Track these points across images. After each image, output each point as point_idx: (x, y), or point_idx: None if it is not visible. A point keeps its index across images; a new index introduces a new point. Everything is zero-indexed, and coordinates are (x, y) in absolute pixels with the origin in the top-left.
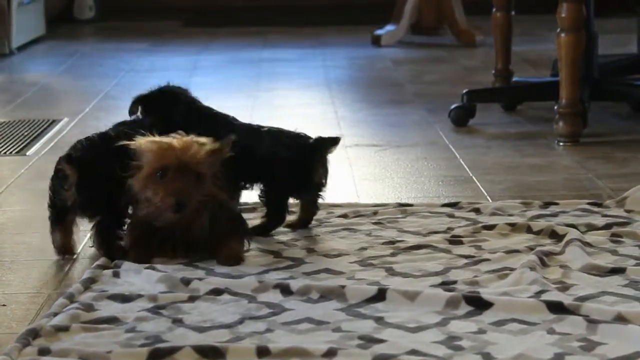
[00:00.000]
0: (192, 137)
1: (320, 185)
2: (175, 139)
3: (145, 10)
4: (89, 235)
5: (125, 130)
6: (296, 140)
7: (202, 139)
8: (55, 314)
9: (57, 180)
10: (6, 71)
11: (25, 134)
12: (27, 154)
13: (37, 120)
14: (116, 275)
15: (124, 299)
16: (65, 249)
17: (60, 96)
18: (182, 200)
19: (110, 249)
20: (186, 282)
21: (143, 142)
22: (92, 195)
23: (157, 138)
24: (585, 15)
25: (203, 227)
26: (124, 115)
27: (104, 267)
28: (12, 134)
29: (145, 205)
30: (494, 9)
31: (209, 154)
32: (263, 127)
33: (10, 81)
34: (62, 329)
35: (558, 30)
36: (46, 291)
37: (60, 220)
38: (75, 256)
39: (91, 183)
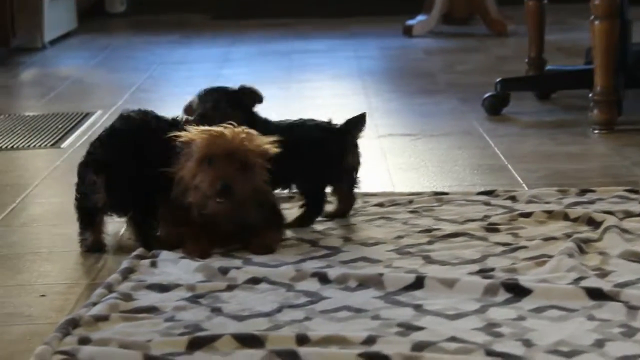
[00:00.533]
0: (244, 128)
1: (354, 170)
2: (227, 129)
3: (176, 3)
4: (123, 228)
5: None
6: (324, 127)
7: (253, 131)
8: (95, 304)
9: (83, 186)
10: (39, 65)
11: (60, 126)
12: (62, 146)
13: (70, 113)
14: (154, 265)
15: (162, 288)
16: (98, 247)
17: (93, 89)
18: (228, 185)
19: (148, 240)
20: (224, 271)
21: (194, 132)
22: (121, 194)
23: (208, 127)
24: (620, 2)
25: (248, 218)
26: (155, 107)
27: (141, 257)
28: (47, 127)
29: (194, 192)
30: None
31: (258, 145)
32: (292, 121)
33: (43, 75)
34: (102, 318)
35: (592, 17)
36: (84, 281)
37: (92, 222)
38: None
39: (118, 183)
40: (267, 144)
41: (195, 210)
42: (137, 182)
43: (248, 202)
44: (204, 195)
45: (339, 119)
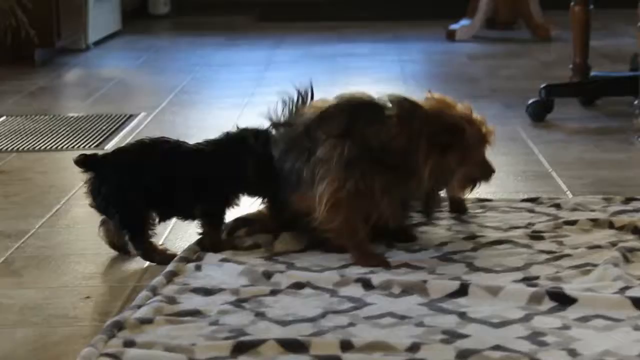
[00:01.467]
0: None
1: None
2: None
3: (220, 5)
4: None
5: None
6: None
7: None
8: (139, 307)
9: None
10: (83, 66)
11: (104, 128)
12: (106, 148)
13: (114, 115)
14: (198, 268)
15: (207, 292)
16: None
17: (136, 91)
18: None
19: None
20: (268, 275)
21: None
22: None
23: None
24: None
25: None
26: (198, 109)
27: (186, 259)
28: (91, 128)
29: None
30: (572, 3)
31: None
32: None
33: (87, 76)
34: (146, 321)
35: (639, 24)
36: (129, 284)
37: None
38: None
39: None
40: None
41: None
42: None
43: None
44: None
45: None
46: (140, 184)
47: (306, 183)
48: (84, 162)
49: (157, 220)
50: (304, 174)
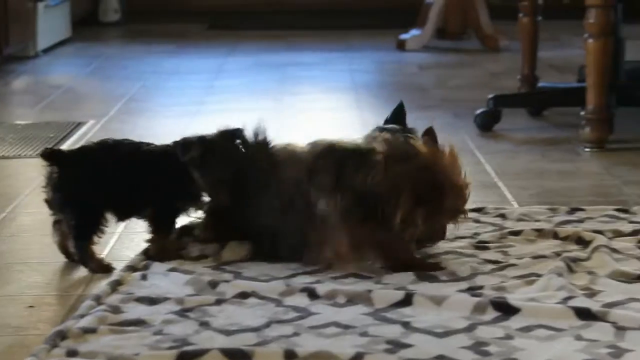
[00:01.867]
0: None
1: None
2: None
3: (170, 13)
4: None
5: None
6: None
7: None
8: (83, 316)
9: None
10: (32, 73)
11: (51, 135)
12: None
13: (62, 123)
14: (144, 277)
15: (151, 301)
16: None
17: (85, 98)
18: None
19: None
20: (213, 285)
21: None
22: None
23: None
24: (613, 20)
25: None
26: (147, 117)
27: (133, 268)
28: (38, 136)
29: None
30: (520, 14)
31: None
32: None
33: (36, 83)
34: (90, 330)
35: (586, 35)
36: (73, 293)
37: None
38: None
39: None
40: None
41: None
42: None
43: None
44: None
45: (331, 133)
46: (101, 184)
47: (315, 246)
48: (49, 155)
49: (115, 220)
50: (311, 238)
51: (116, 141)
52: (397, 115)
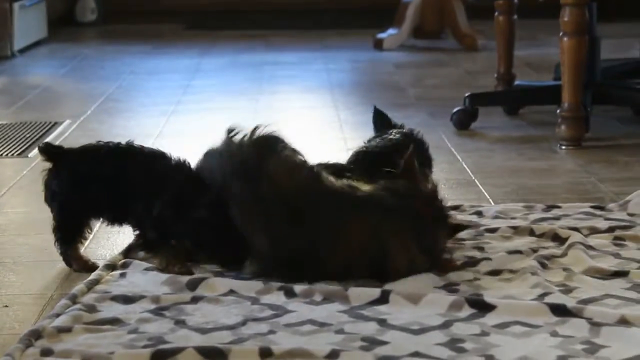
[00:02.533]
0: None
1: None
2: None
3: (147, 13)
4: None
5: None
6: None
7: None
8: (58, 315)
9: None
10: (8, 73)
11: (27, 136)
12: (29, 155)
13: (39, 123)
14: (123, 276)
15: (127, 300)
16: None
17: (62, 98)
18: None
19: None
20: (192, 286)
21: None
22: None
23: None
24: (588, 19)
25: None
26: (124, 117)
27: (112, 267)
28: (14, 136)
29: None
30: (496, 13)
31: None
32: None
33: (12, 83)
34: (65, 330)
35: (561, 34)
36: (49, 292)
37: None
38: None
39: None
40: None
41: None
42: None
43: None
44: None
45: (307, 132)
46: (91, 187)
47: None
48: (46, 150)
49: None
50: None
51: (120, 144)
52: (381, 120)
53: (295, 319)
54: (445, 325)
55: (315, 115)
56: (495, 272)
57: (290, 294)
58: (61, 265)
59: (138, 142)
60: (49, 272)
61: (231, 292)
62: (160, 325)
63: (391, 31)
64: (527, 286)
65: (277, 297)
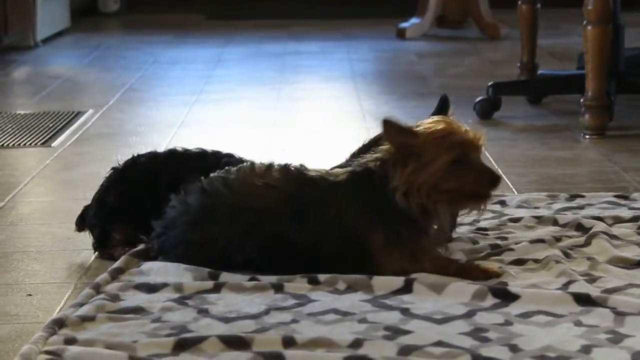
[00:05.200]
0: (452, 119)
1: None
2: (443, 122)
3: (169, 3)
4: None
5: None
6: None
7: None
8: (82, 304)
9: None
10: (31, 63)
11: (51, 125)
12: (52, 145)
13: (62, 112)
14: (146, 265)
15: (150, 288)
16: None
17: (84, 88)
18: (496, 177)
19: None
20: (214, 275)
21: (411, 137)
22: None
23: (421, 127)
24: (612, 7)
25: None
26: (147, 107)
27: (135, 256)
28: (38, 126)
29: (445, 197)
30: (519, 2)
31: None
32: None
33: (35, 73)
34: (88, 319)
35: (584, 23)
36: (72, 281)
37: None
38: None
39: None
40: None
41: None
42: None
43: None
44: (464, 195)
45: (330, 122)
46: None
47: None
48: None
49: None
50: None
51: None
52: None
53: (318, 308)
54: (469, 314)
55: (338, 105)
56: (520, 262)
57: (314, 282)
58: (85, 254)
59: (160, 131)
60: (72, 261)
61: (253, 279)
62: (183, 314)
63: (414, 20)
64: (552, 275)
65: (300, 285)
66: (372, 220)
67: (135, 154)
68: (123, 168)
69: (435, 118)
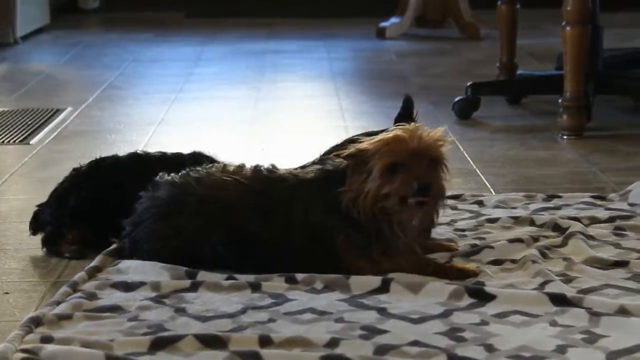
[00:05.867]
0: (415, 125)
1: None
2: (400, 130)
3: (150, 1)
4: None
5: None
6: None
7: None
8: (58, 303)
9: None
10: (10, 60)
11: (29, 123)
12: (31, 142)
13: (40, 110)
14: (123, 263)
15: (127, 287)
16: None
17: (64, 86)
18: (425, 184)
19: None
20: (191, 274)
21: (366, 144)
22: None
23: (379, 136)
24: (591, 8)
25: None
26: (127, 105)
27: (112, 255)
28: (16, 123)
29: (385, 201)
30: (499, 2)
31: (438, 138)
32: None
33: (14, 70)
34: (65, 317)
35: (563, 23)
36: (49, 279)
37: None
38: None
39: None
40: (443, 135)
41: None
42: None
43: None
44: (396, 203)
45: (309, 121)
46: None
47: None
48: None
49: None
50: None
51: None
52: (405, 109)
53: (295, 308)
54: (445, 314)
55: (317, 104)
56: (497, 262)
57: (291, 280)
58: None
59: (139, 129)
60: (49, 260)
61: (230, 277)
62: (160, 312)
63: (394, 20)
64: (528, 275)
65: (278, 284)
66: (338, 220)
67: (98, 156)
68: (86, 170)
69: (396, 126)
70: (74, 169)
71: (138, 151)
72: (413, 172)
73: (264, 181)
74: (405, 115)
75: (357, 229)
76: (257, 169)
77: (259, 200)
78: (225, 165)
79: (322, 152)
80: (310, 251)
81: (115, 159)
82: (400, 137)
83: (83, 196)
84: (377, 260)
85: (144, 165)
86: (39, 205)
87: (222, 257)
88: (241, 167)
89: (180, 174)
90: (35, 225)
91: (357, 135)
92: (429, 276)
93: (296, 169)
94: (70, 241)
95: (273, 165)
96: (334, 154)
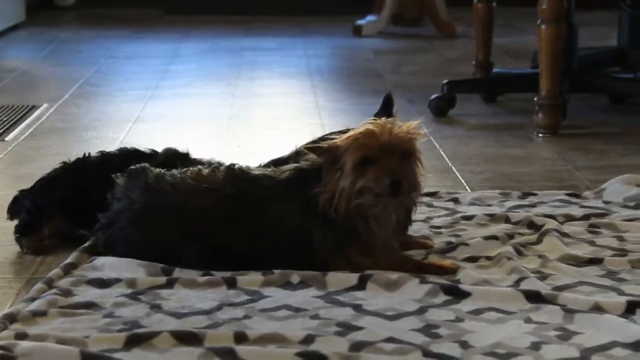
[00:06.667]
0: (387, 119)
1: None
2: (370, 124)
3: None
4: None
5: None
6: None
7: (398, 120)
8: (33, 299)
9: None
10: None
11: (4, 119)
12: (6, 139)
13: (16, 106)
14: (99, 260)
15: (102, 284)
16: None
17: (39, 82)
18: (397, 179)
19: None
20: (168, 270)
21: (337, 141)
22: None
23: (350, 131)
24: (566, 7)
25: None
26: (103, 102)
27: (87, 251)
28: None
29: (359, 197)
30: (475, 0)
31: (410, 131)
32: None
33: None
34: (40, 313)
35: (539, 22)
36: (24, 276)
37: None
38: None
39: None
40: (415, 128)
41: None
42: None
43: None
44: (371, 198)
45: (285, 118)
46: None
47: None
48: None
49: None
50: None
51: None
52: (385, 107)
53: (270, 304)
54: (420, 311)
55: (294, 102)
56: (473, 259)
57: (267, 276)
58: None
59: (115, 126)
60: (24, 256)
61: (207, 274)
62: (135, 309)
63: (370, 18)
64: (504, 272)
65: (254, 279)
66: (315, 220)
67: (87, 153)
68: (74, 164)
69: (365, 121)
70: (62, 162)
71: (128, 147)
72: (384, 166)
73: (237, 184)
74: (384, 113)
75: (334, 229)
76: (230, 171)
77: (232, 206)
78: (200, 170)
79: (296, 148)
80: (286, 254)
81: (104, 154)
82: (370, 132)
83: (68, 187)
84: (355, 260)
85: (134, 161)
86: (21, 191)
87: (198, 266)
88: (215, 169)
89: (155, 174)
90: (14, 210)
91: (331, 133)
92: (407, 273)
93: (271, 161)
94: (46, 232)
95: (247, 167)
96: (305, 147)
